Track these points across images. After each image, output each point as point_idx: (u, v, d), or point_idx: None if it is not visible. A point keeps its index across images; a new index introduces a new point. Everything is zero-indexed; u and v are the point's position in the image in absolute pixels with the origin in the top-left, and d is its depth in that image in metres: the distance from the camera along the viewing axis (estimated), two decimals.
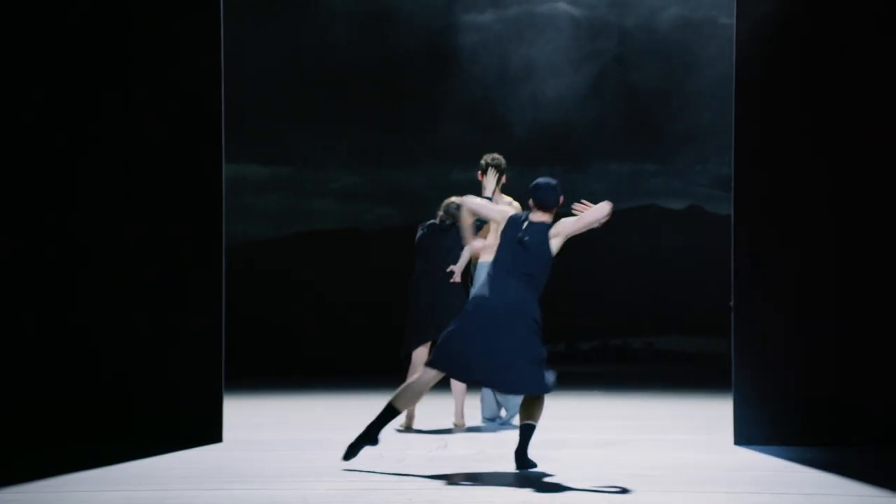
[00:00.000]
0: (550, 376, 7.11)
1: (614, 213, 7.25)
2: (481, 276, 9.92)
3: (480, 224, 9.72)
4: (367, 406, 12.50)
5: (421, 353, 9.65)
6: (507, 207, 7.49)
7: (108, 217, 8.67)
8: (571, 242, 7.35)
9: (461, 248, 9.60)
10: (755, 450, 8.25)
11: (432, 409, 10.80)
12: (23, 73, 8.66)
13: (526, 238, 7.20)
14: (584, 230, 7.30)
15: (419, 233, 9.74)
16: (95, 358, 8.63)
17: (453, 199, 9.77)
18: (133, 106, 8.69)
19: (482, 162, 9.98)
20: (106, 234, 8.66)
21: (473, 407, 10.28)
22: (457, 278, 9.58)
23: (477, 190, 9.96)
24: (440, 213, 9.75)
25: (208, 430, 8.60)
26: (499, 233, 7.45)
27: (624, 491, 6.30)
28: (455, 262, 9.58)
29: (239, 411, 11.06)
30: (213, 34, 8.69)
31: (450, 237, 9.61)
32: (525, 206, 10.39)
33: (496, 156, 10.02)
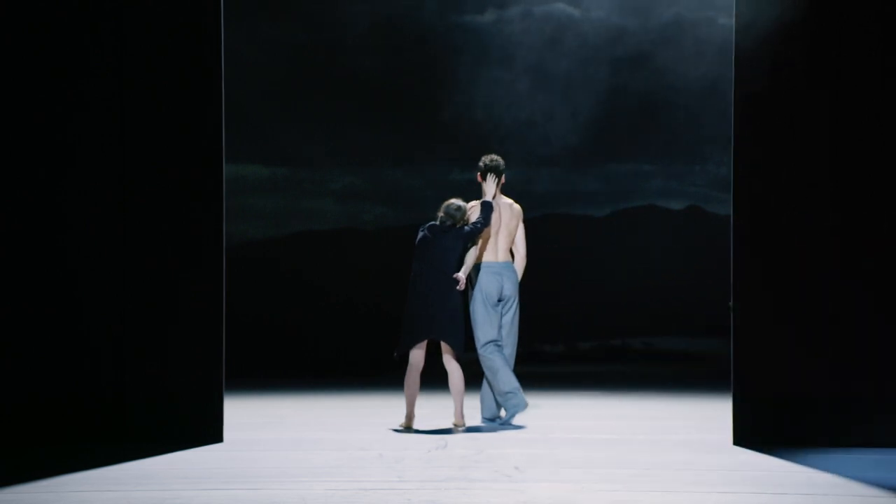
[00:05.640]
0: None
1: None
2: (483, 277, 9.85)
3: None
4: (366, 406, 12.52)
5: (416, 354, 9.60)
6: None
7: (108, 217, 8.67)
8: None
9: (459, 248, 9.56)
10: (755, 450, 8.25)
11: (432, 409, 10.80)
12: (22, 72, 8.66)
13: None
14: None
15: (420, 234, 9.66)
16: (95, 357, 8.63)
17: (453, 200, 9.73)
18: (132, 106, 8.69)
19: (480, 164, 9.90)
20: (106, 234, 8.67)
21: (473, 407, 10.27)
22: (462, 284, 9.50)
23: (476, 191, 9.95)
24: (440, 213, 9.68)
25: (208, 430, 8.61)
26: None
27: (624, 491, 6.30)
28: (453, 263, 9.52)
29: (239, 411, 11.06)
30: (214, 34, 8.69)
31: (449, 238, 9.57)
32: (524, 207, 10.42)
33: (494, 157, 9.92)
